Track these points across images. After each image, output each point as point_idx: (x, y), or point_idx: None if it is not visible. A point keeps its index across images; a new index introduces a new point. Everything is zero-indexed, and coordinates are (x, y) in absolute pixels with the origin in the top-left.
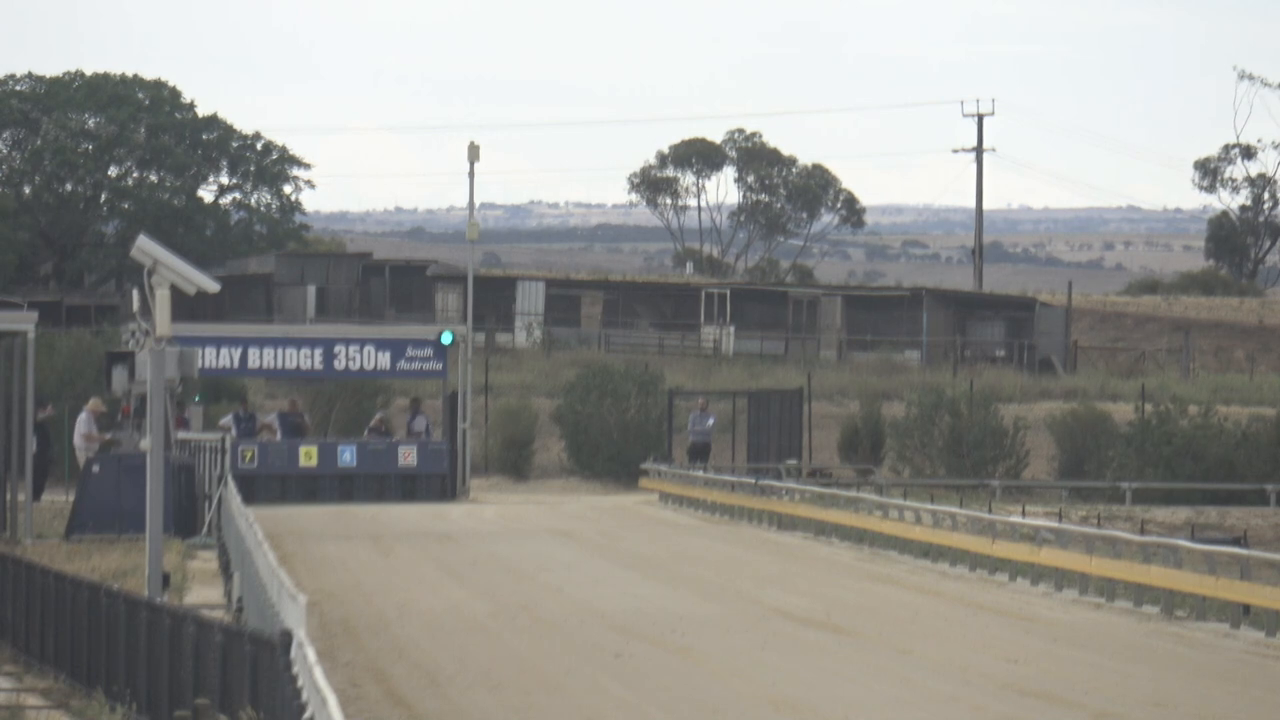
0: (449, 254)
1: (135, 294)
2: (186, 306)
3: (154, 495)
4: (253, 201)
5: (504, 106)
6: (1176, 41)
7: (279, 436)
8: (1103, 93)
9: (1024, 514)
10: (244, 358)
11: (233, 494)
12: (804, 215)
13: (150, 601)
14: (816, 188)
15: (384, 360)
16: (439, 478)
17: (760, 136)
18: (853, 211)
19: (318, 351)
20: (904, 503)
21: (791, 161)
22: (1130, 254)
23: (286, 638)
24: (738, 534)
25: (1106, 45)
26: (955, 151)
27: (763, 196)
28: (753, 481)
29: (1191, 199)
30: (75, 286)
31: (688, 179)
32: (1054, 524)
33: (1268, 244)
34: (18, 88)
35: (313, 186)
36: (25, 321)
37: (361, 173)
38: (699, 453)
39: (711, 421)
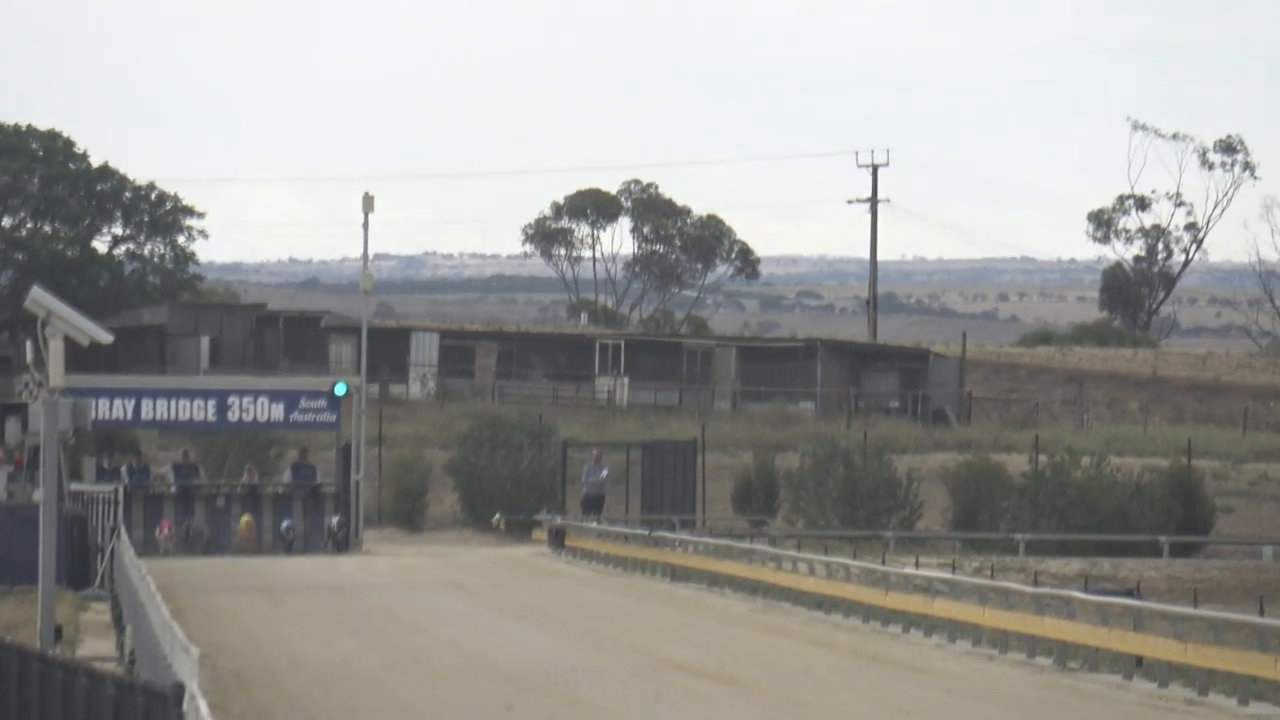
0: (343, 305)
1: (29, 345)
2: (80, 358)
3: (46, 547)
4: (146, 252)
5: (399, 157)
6: (1071, 93)
7: (173, 489)
8: (997, 144)
9: (917, 565)
10: (138, 409)
11: (125, 546)
12: (699, 266)
13: (42, 654)
14: (711, 238)
15: (277, 411)
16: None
17: (655, 187)
18: (747, 262)
19: (211, 403)
20: (797, 554)
21: (686, 212)
22: (1024, 305)
23: (179, 690)
24: (631, 585)
25: (1001, 97)
26: (850, 202)
27: (658, 247)
28: (646, 533)
29: (1086, 250)
30: None
31: (582, 230)
32: (947, 575)
33: (1162, 295)
34: None
35: (206, 236)
36: None
37: (255, 223)
38: (593, 504)
39: (606, 473)
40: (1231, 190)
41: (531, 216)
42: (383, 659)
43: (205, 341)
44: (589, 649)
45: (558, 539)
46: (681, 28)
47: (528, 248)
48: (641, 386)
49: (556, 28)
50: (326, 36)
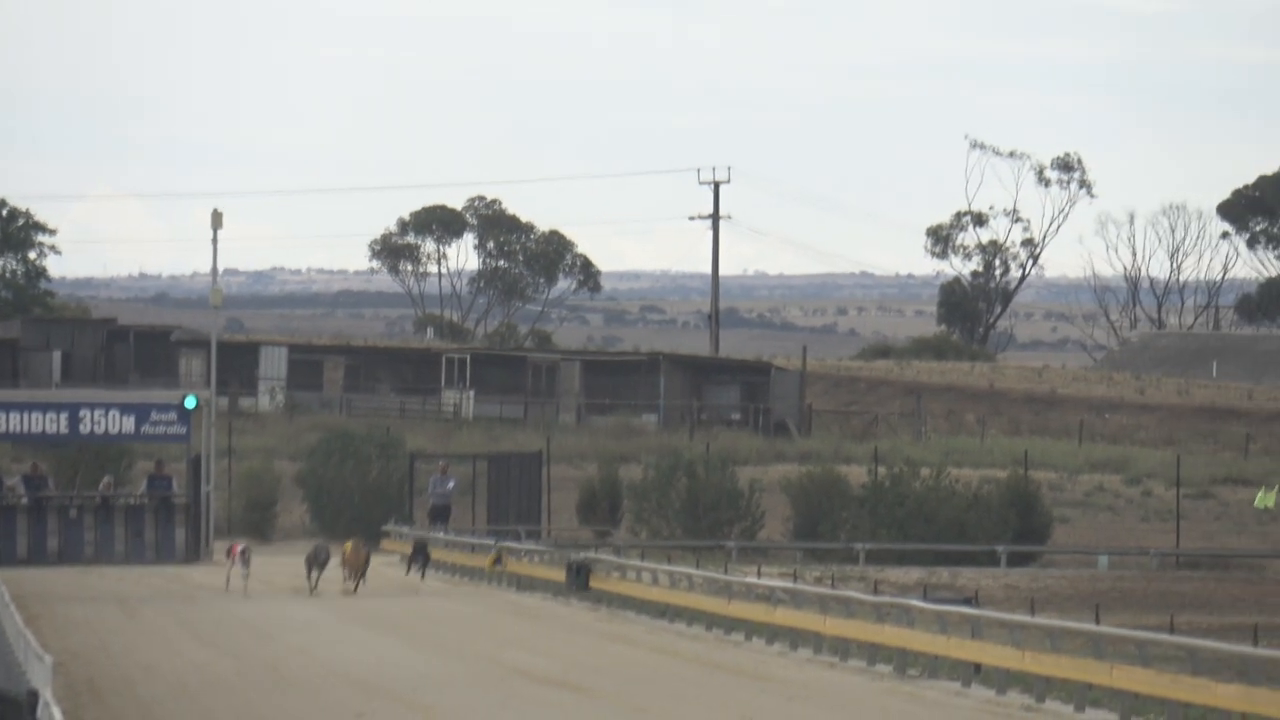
0: (193, 319)
1: None
2: None
3: None
4: None
5: (246, 174)
6: (910, 112)
7: (24, 500)
8: (837, 162)
9: (759, 574)
10: None
11: None
12: (542, 281)
13: None
14: (554, 254)
15: (128, 424)
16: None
17: (499, 204)
18: (590, 276)
19: (63, 416)
20: (641, 564)
21: (530, 228)
22: (864, 319)
23: (33, 698)
24: (478, 595)
25: (841, 116)
26: (692, 219)
27: (502, 263)
28: (493, 543)
29: (924, 265)
30: None
31: (428, 245)
32: (789, 584)
33: (998, 309)
34: None
35: (58, 252)
36: None
37: (106, 239)
38: (440, 515)
39: (452, 484)
40: (1068, 207)
41: (378, 233)
42: (234, 666)
43: (57, 356)
44: (437, 656)
45: (581, 578)
46: (526, 46)
47: (374, 263)
48: (487, 400)
49: (400, 46)
50: (173, 54)
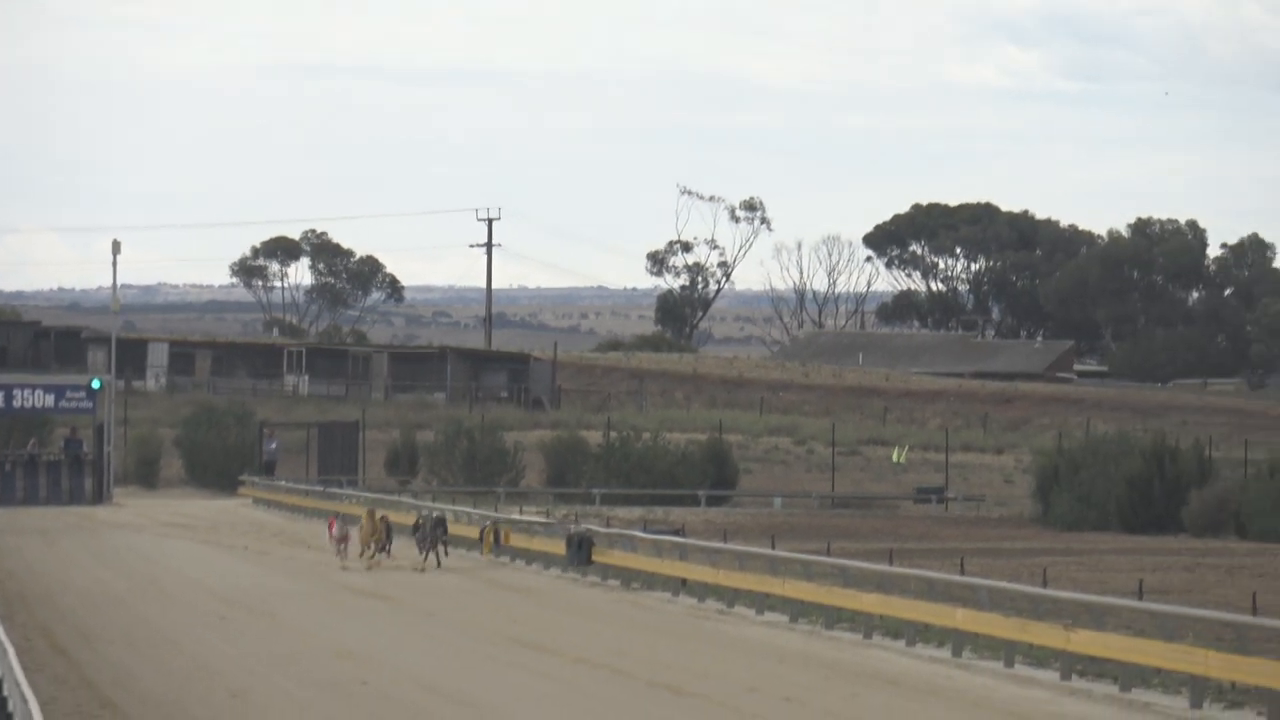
0: (99, 322)
1: None
2: None
3: None
4: None
5: (137, 211)
6: (636, 164)
7: None
8: (581, 202)
9: (521, 513)
10: None
11: None
12: (359, 293)
13: None
14: (368, 273)
15: (49, 400)
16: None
17: (327, 235)
18: (395, 290)
19: None
20: (433, 505)
21: (350, 253)
22: (600, 321)
23: None
24: (312, 529)
25: (584, 167)
26: (472, 246)
27: (329, 279)
28: (321, 489)
29: (645, 281)
30: None
31: (274, 266)
32: (543, 520)
33: (700, 314)
34: None
35: None
36: None
37: (32, 261)
38: (269, 468)
39: (274, 445)
40: (752, 237)
41: (236, 257)
42: (128, 584)
43: None
44: (281, 575)
45: (584, 554)
46: (348, 112)
47: (234, 280)
48: (318, 382)
49: (252, 114)
50: (79, 118)
